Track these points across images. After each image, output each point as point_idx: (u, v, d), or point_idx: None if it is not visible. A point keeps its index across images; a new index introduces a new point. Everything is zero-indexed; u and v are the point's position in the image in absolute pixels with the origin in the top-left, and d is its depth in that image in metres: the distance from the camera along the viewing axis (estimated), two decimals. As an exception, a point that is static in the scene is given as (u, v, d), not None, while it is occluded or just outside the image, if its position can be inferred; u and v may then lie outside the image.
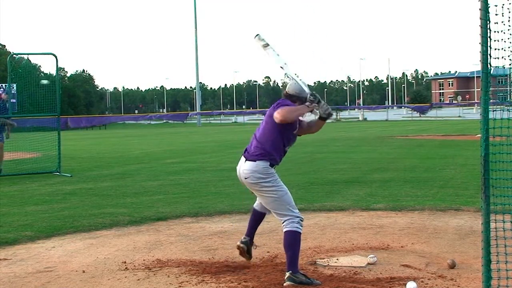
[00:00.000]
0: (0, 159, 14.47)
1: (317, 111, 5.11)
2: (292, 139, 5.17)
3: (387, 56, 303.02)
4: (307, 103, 5.03)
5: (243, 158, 5.13)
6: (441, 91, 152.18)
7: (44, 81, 15.42)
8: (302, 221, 5.02)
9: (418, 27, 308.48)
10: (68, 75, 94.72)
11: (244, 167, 5.06)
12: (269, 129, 5.04)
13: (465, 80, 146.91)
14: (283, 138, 5.06)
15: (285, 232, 4.96)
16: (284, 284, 4.84)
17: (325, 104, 5.08)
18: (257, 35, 5.25)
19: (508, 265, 4.10)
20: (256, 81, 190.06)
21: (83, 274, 5.44)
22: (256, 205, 5.47)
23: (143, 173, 14.32)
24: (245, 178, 5.04)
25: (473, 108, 68.85)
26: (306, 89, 5.13)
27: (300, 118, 5.14)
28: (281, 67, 5.23)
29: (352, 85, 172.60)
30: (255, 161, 5.01)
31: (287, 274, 4.86)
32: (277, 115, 4.85)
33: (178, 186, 11.58)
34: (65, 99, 67.52)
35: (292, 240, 4.91)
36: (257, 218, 5.46)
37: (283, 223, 4.99)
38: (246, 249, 5.43)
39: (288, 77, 5.23)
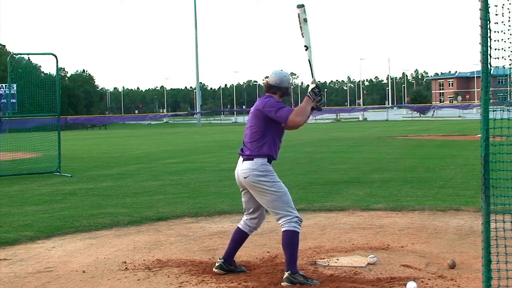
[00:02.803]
0: None
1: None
2: (282, 132, 5.18)
3: (387, 56, 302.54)
4: (311, 94, 5.04)
5: (240, 159, 5.11)
6: (441, 91, 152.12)
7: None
8: (300, 221, 5.01)
9: (418, 27, 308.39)
10: (68, 75, 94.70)
11: (242, 167, 5.04)
12: (260, 126, 5.02)
13: (465, 80, 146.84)
14: (275, 133, 5.06)
15: (283, 231, 4.96)
16: (282, 284, 4.84)
17: (321, 97, 5.15)
18: (302, 5, 5.04)
19: (508, 265, 4.10)
20: (256, 81, 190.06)
21: (83, 274, 5.44)
22: (241, 224, 5.32)
23: (143, 173, 14.32)
24: (245, 178, 5.00)
25: (473, 108, 68.81)
26: (315, 78, 5.13)
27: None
28: (305, 46, 5.13)
29: (352, 85, 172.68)
30: (252, 159, 4.99)
31: (286, 274, 4.87)
32: (295, 122, 4.92)
33: (178, 186, 11.58)
34: (65, 99, 67.50)
35: (290, 239, 4.91)
36: (240, 238, 5.30)
37: (281, 223, 4.98)
38: (223, 272, 5.23)
39: (309, 61, 5.15)
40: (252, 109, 5.18)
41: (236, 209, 8.50)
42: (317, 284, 4.84)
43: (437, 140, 25.33)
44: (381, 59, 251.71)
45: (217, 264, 5.29)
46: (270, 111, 4.97)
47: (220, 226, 7.56)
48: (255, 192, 5.05)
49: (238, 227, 5.34)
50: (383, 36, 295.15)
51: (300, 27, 5.10)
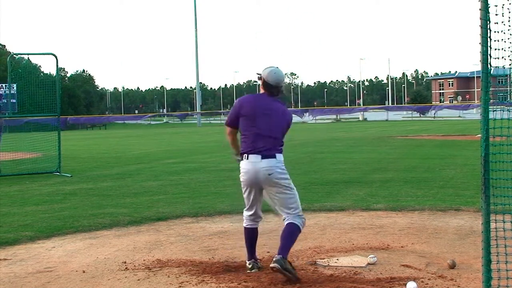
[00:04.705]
0: None
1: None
2: None
3: (387, 56, 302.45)
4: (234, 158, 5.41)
5: (257, 157, 5.07)
6: (441, 91, 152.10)
7: None
8: (304, 221, 5.19)
9: (418, 27, 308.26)
10: (68, 75, 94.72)
11: (264, 164, 5.05)
12: (283, 126, 5.20)
13: (465, 80, 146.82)
14: None
15: (288, 223, 5.06)
16: (271, 265, 4.88)
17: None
18: None
19: (508, 265, 4.10)
20: (256, 81, 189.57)
21: (83, 274, 5.44)
22: (247, 223, 5.37)
23: (143, 173, 14.32)
24: (269, 174, 5.04)
25: (473, 109, 68.72)
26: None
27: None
28: None
29: (352, 85, 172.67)
30: (275, 156, 5.06)
31: (278, 256, 4.89)
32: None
33: (178, 186, 11.58)
34: (65, 99, 67.49)
35: (293, 232, 5.04)
36: (253, 235, 5.39)
37: (289, 216, 5.09)
38: (257, 270, 5.35)
39: None
40: (275, 107, 5.20)
41: (236, 209, 8.49)
42: (297, 281, 4.89)
43: (437, 140, 25.33)
44: (381, 59, 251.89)
45: (249, 266, 5.33)
46: (289, 124, 5.31)
47: (220, 226, 7.56)
48: (275, 189, 5.11)
49: (246, 228, 5.37)
50: (383, 36, 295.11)
51: None
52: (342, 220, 7.83)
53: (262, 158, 5.05)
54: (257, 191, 5.21)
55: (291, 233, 5.03)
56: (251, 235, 5.38)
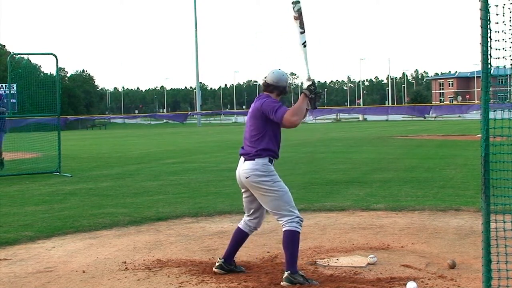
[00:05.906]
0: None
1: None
2: (280, 129, 5.18)
3: (387, 56, 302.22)
4: (306, 91, 5.00)
5: (242, 159, 5.13)
6: (441, 91, 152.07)
7: None
8: (301, 221, 5.02)
9: (418, 27, 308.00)
10: (68, 75, 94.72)
11: (244, 167, 5.05)
12: (260, 125, 5.04)
13: (465, 80, 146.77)
14: (275, 131, 5.06)
15: (284, 231, 4.97)
16: (281, 283, 4.85)
17: (317, 95, 5.06)
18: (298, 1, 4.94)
19: (508, 265, 4.10)
20: (256, 81, 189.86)
21: (83, 274, 5.44)
22: (241, 224, 5.35)
23: (143, 173, 14.32)
24: (246, 178, 5.01)
25: (473, 110, 68.47)
26: (307, 76, 5.07)
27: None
28: (303, 44, 5.05)
29: (352, 85, 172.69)
30: (254, 159, 5.01)
31: (286, 274, 4.88)
32: (291, 122, 4.90)
33: (178, 186, 11.58)
34: (65, 99, 67.45)
35: (291, 239, 4.92)
36: (240, 238, 5.32)
37: (282, 223, 4.99)
38: (223, 272, 5.25)
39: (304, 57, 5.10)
40: (250, 109, 5.20)
41: (236, 209, 8.50)
42: (316, 285, 4.85)
43: (437, 140, 25.34)
44: (381, 59, 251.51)
45: (217, 264, 5.30)
46: (268, 112, 4.98)
47: (220, 226, 7.56)
48: (256, 192, 5.04)
49: (238, 227, 5.36)
50: (383, 36, 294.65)
51: (301, 23, 5.01)
52: (342, 220, 7.83)
53: (244, 161, 5.08)
54: (250, 194, 5.16)
55: (290, 240, 4.92)
56: (236, 235, 5.34)
